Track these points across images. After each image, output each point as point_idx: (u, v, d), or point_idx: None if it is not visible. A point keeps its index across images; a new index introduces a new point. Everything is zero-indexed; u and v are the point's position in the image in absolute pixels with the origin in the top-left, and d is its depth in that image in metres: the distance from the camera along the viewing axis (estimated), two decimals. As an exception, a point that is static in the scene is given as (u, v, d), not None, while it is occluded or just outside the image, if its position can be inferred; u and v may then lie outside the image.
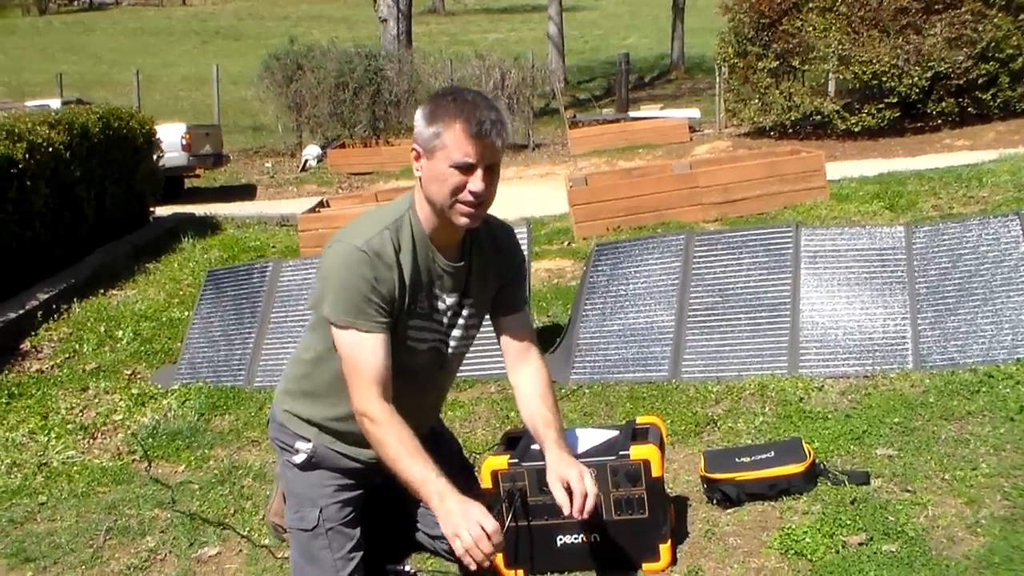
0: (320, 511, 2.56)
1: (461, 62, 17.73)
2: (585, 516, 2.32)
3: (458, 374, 4.33)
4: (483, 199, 2.32)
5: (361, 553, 2.63)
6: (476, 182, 2.28)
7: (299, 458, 2.55)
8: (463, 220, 2.33)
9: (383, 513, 2.77)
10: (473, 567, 2.23)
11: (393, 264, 2.32)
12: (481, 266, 2.50)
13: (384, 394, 2.34)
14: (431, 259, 2.40)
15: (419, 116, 2.32)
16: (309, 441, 2.54)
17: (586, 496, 2.31)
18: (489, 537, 2.18)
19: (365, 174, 14.98)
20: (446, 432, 3.02)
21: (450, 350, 2.52)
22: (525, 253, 4.70)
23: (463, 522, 2.20)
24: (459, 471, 2.87)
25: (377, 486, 2.85)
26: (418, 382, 2.51)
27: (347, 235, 2.35)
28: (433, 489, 2.27)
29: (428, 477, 2.29)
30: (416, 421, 2.66)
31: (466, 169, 2.27)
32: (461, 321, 2.49)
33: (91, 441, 4.22)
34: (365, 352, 2.32)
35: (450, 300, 2.44)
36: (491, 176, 2.33)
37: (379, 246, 2.32)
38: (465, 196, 2.29)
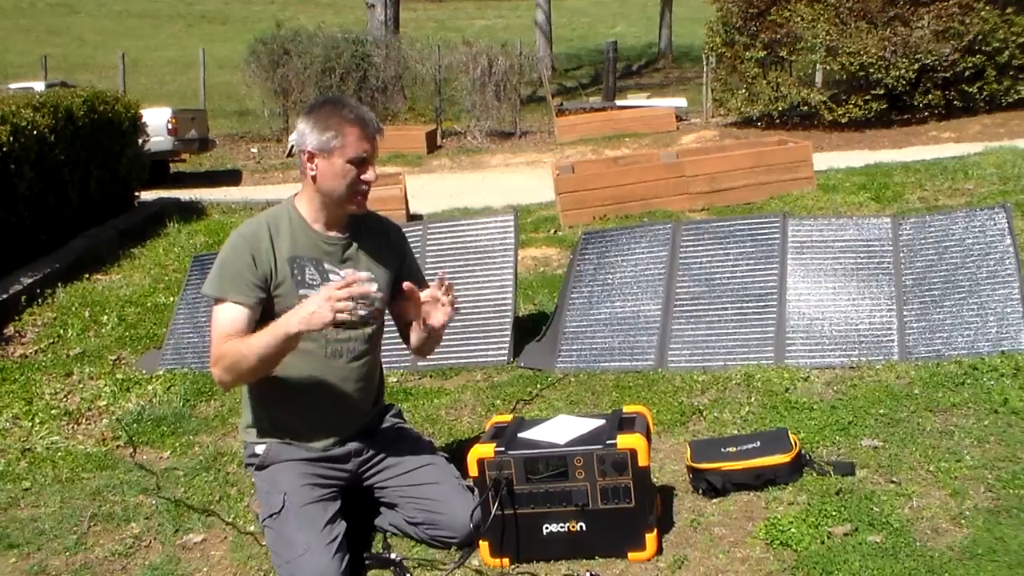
0: (284, 494, 2.74)
1: (448, 48, 17.64)
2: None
3: (444, 362, 4.37)
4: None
5: (339, 532, 2.68)
6: (370, 173, 2.75)
7: (258, 460, 2.85)
8: (354, 206, 2.79)
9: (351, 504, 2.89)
10: (354, 308, 2.50)
11: (268, 245, 2.74)
12: (372, 245, 2.89)
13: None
14: (314, 240, 2.80)
15: (308, 125, 2.73)
16: (265, 444, 2.86)
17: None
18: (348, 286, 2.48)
19: (351, 160, 14.93)
20: (412, 432, 3.17)
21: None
22: (510, 246, 4.74)
23: (316, 299, 2.51)
24: (429, 462, 2.91)
25: (349, 479, 2.89)
26: (328, 350, 2.80)
27: (233, 231, 2.81)
28: (279, 325, 2.58)
29: (268, 330, 2.61)
30: (348, 402, 2.82)
31: (361, 163, 2.72)
32: None
33: (75, 427, 4.20)
34: (229, 316, 2.69)
35: (344, 272, 2.77)
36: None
37: (255, 230, 2.77)
38: (361, 187, 2.75)
